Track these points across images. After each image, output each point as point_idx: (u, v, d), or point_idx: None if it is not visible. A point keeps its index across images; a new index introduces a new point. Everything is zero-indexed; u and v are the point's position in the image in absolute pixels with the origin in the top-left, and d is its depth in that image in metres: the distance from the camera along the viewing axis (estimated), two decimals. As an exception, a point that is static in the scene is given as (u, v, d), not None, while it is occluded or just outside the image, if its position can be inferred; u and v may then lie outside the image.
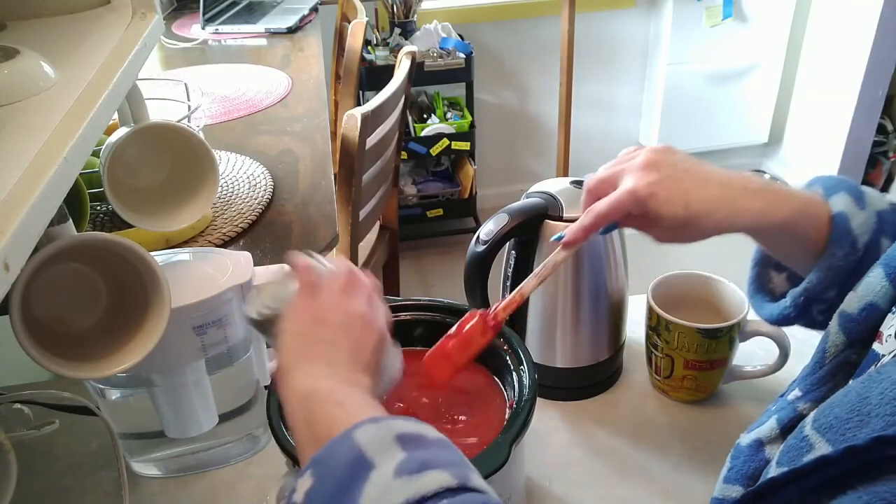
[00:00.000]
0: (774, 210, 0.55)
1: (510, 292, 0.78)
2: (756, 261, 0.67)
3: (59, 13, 0.72)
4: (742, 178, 0.57)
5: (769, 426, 0.55)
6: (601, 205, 0.57)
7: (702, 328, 0.74)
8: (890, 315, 0.48)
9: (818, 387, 0.53)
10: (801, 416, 0.53)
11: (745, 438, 0.58)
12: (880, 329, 0.49)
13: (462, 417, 0.63)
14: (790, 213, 0.56)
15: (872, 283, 0.50)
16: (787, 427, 0.54)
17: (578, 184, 0.79)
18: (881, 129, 2.55)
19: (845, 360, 0.52)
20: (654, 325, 0.78)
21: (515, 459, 0.57)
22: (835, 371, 0.52)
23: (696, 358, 0.76)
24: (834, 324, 0.53)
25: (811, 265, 0.58)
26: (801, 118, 3.00)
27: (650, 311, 0.78)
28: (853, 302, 0.51)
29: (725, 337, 0.75)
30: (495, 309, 0.62)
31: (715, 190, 0.55)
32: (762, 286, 0.65)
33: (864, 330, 0.50)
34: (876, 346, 0.48)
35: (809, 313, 0.60)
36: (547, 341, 0.80)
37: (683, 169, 0.56)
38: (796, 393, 0.55)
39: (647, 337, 0.80)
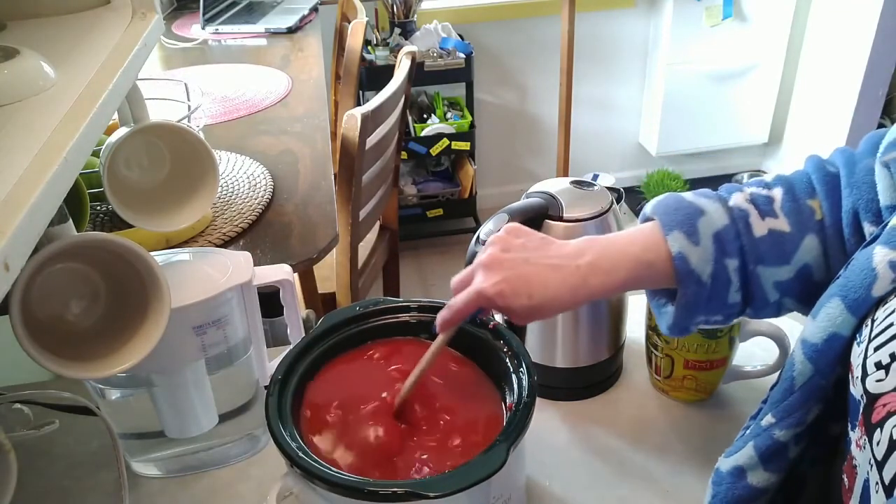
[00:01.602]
0: (612, 278, 0.59)
1: None
2: None
3: (59, 13, 0.72)
4: (575, 251, 0.61)
5: (747, 453, 0.56)
6: (458, 301, 0.62)
7: (702, 328, 0.74)
8: (856, 345, 0.48)
9: (791, 413, 0.54)
10: (778, 444, 0.54)
11: (725, 464, 0.58)
12: (850, 361, 0.49)
13: (461, 419, 0.63)
14: (628, 272, 0.59)
15: (832, 313, 0.50)
16: (766, 455, 0.55)
17: (578, 184, 0.79)
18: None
19: (816, 386, 0.52)
20: (654, 325, 0.78)
21: (515, 460, 0.58)
22: (807, 397, 0.53)
23: (696, 358, 0.76)
24: (798, 352, 0.53)
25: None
26: (801, 118, 3.00)
27: (650, 310, 0.78)
28: (815, 332, 0.52)
29: (725, 337, 0.75)
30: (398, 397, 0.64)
31: (553, 277, 0.59)
32: (660, 304, 0.67)
33: (830, 358, 0.51)
34: (850, 387, 0.48)
35: (696, 323, 0.62)
36: (547, 341, 0.80)
37: (523, 260, 0.60)
38: (769, 419, 0.55)
39: (647, 337, 0.80)
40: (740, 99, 2.98)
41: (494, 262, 0.61)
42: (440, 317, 0.63)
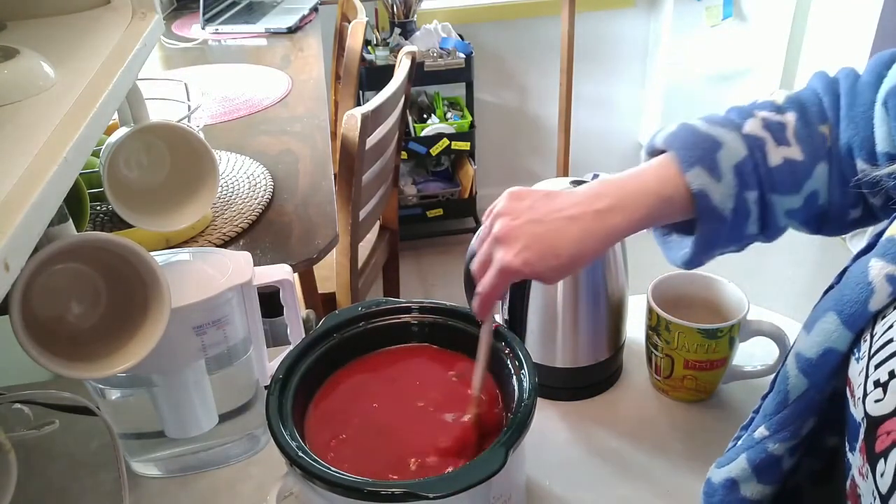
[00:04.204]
0: (633, 216, 0.58)
1: (510, 293, 0.78)
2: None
3: (59, 13, 0.72)
4: (590, 198, 0.59)
5: (740, 465, 0.55)
6: (486, 284, 0.60)
7: (702, 328, 0.74)
8: (854, 361, 0.47)
9: (785, 426, 0.53)
10: (772, 457, 0.53)
11: (717, 475, 0.58)
12: (849, 377, 0.48)
13: (461, 419, 0.63)
14: (649, 209, 0.58)
15: (827, 328, 0.49)
16: (760, 468, 0.54)
17: (578, 184, 0.79)
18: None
19: (811, 400, 0.52)
20: (654, 325, 0.78)
21: (515, 460, 0.57)
22: (801, 411, 0.52)
23: (696, 358, 0.76)
24: (792, 366, 0.52)
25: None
26: (801, 118, 3.00)
27: (650, 311, 0.78)
28: (810, 346, 0.50)
29: (725, 337, 0.75)
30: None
31: (574, 229, 0.58)
32: (664, 234, 0.66)
33: (826, 372, 0.50)
34: (850, 406, 0.47)
35: (712, 257, 0.61)
36: (547, 341, 0.80)
37: (537, 220, 0.58)
38: (763, 431, 0.54)
39: (647, 337, 0.80)
40: (740, 99, 2.95)
41: (509, 232, 0.59)
42: (475, 307, 0.62)
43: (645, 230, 0.61)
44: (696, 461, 0.73)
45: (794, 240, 0.63)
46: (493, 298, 0.61)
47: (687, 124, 0.60)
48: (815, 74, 0.62)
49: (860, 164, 0.57)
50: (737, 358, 0.79)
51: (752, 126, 0.59)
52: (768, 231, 0.60)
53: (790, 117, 0.59)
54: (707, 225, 0.58)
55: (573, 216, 0.58)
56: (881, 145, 0.55)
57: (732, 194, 0.57)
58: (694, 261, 0.61)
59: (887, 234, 0.47)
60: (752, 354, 0.81)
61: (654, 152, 0.62)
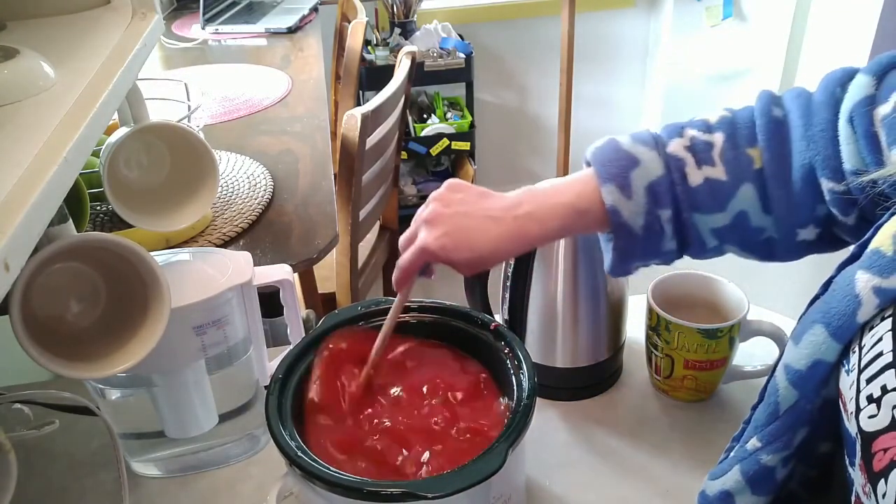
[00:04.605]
0: (548, 226, 0.61)
1: (510, 293, 0.78)
2: None
3: (59, 13, 0.72)
4: (514, 204, 0.62)
5: (734, 477, 0.56)
6: (404, 259, 0.64)
7: (702, 328, 0.74)
8: (845, 373, 0.48)
9: (777, 437, 0.53)
10: (765, 468, 0.54)
11: (711, 487, 0.58)
12: (840, 390, 0.48)
13: (460, 419, 0.63)
14: (563, 221, 0.61)
15: (815, 340, 0.49)
16: (754, 479, 0.54)
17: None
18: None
19: (802, 410, 0.52)
20: (654, 325, 0.78)
21: (515, 460, 0.58)
22: (793, 421, 0.52)
23: (696, 358, 0.76)
24: (781, 378, 0.53)
25: None
26: (801, 118, 3.00)
27: (650, 311, 0.78)
28: (798, 358, 0.51)
29: (725, 337, 0.75)
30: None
31: (492, 229, 0.61)
32: (607, 240, 0.67)
33: (815, 383, 0.50)
34: (844, 421, 0.47)
35: (634, 267, 0.64)
36: (547, 341, 0.80)
37: (463, 214, 0.62)
38: (755, 443, 0.55)
39: (647, 337, 0.80)
40: (740, 99, 2.96)
41: (436, 217, 0.63)
42: (394, 278, 0.66)
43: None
44: (696, 461, 0.73)
45: (713, 257, 0.64)
46: (410, 273, 0.65)
47: (613, 140, 0.63)
48: (760, 94, 0.63)
49: (825, 184, 0.57)
50: (737, 358, 0.79)
51: (675, 146, 0.61)
52: (691, 248, 0.62)
53: (718, 137, 0.61)
54: (619, 239, 0.61)
55: (495, 217, 0.62)
56: (849, 163, 0.55)
57: (642, 212, 0.59)
58: (615, 270, 0.64)
59: (872, 245, 0.47)
60: (752, 354, 0.81)
61: (586, 163, 0.64)
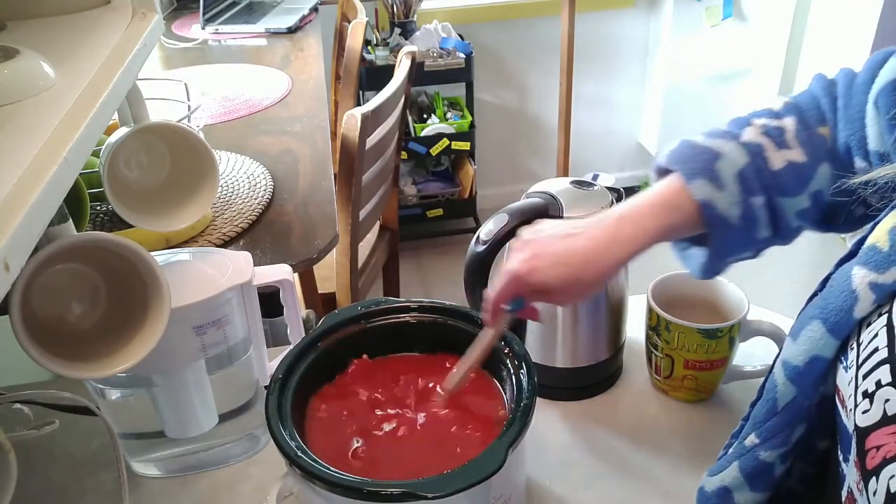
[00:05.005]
0: (642, 226, 0.58)
1: None
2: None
3: (59, 13, 0.72)
4: (602, 217, 0.60)
5: (732, 474, 0.56)
6: (492, 289, 0.62)
7: (702, 328, 0.74)
8: (843, 370, 0.48)
9: (776, 434, 0.53)
10: (764, 464, 0.54)
11: (710, 483, 0.58)
12: (837, 384, 0.49)
13: (462, 419, 0.63)
14: (658, 219, 0.58)
15: (813, 336, 0.50)
16: (752, 475, 0.55)
17: (579, 184, 0.79)
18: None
19: (799, 407, 0.52)
20: (654, 325, 0.78)
21: (515, 460, 0.58)
22: (791, 418, 0.53)
23: (696, 358, 0.76)
24: (779, 374, 0.53)
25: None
26: (801, 118, 2.99)
27: (650, 311, 0.78)
28: (796, 354, 0.51)
29: (725, 337, 0.75)
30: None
31: (582, 240, 0.59)
32: (683, 248, 0.66)
33: (813, 379, 0.51)
34: (843, 418, 0.47)
35: (728, 264, 0.62)
36: (547, 341, 0.80)
37: (550, 237, 0.61)
38: (753, 439, 0.55)
39: (647, 337, 0.80)
40: (740, 99, 2.97)
41: (524, 244, 0.61)
42: (484, 314, 0.63)
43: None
44: (696, 461, 0.73)
45: (795, 240, 0.63)
46: (497, 302, 0.62)
47: (686, 140, 0.61)
48: (815, 77, 0.63)
49: (858, 163, 0.57)
50: (737, 358, 0.79)
51: (749, 134, 0.59)
52: (781, 233, 0.60)
53: (788, 122, 0.60)
54: (717, 234, 0.58)
55: (582, 232, 0.60)
56: (872, 144, 0.55)
57: (738, 201, 0.57)
58: (710, 269, 0.61)
59: (869, 241, 0.48)
60: (752, 354, 0.81)
61: (660, 172, 0.62)
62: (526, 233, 0.63)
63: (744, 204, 0.57)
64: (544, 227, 0.63)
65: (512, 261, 0.60)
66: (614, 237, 0.58)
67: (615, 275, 0.59)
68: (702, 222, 0.58)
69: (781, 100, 0.62)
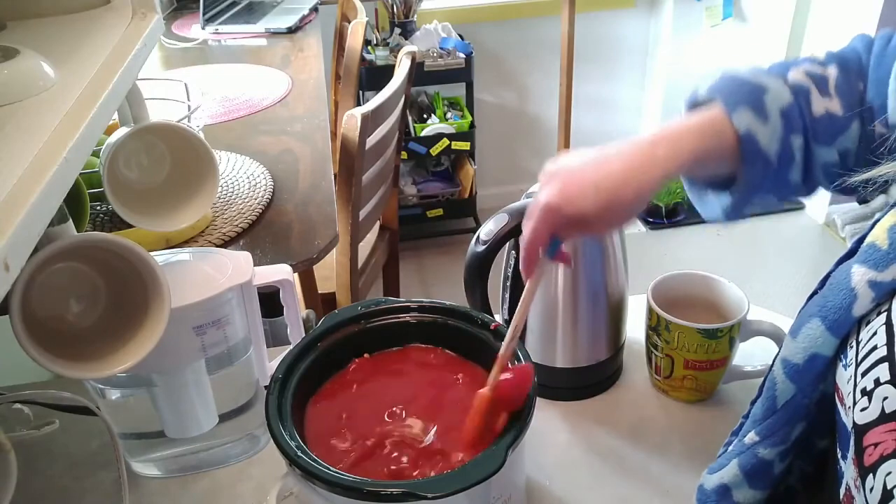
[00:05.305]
0: (678, 148, 0.55)
1: (510, 293, 0.78)
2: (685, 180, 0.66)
3: (59, 13, 0.72)
4: (635, 139, 0.57)
5: (731, 471, 0.56)
6: (526, 230, 0.58)
7: (702, 328, 0.74)
8: (842, 367, 0.48)
9: (775, 431, 0.53)
10: (763, 461, 0.54)
11: (709, 481, 0.58)
12: (836, 382, 0.49)
13: (462, 419, 0.63)
14: (694, 143, 0.55)
15: (812, 333, 0.49)
16: (751, 473, 0.55)
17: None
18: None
19: (799, 405, 0.52)
20: (654, 325, 0.78)
21: (515, 460, 0.58)
22: (790, 416, 0.53)
23: (696, 358, 0.76)
24: (779, 372, 0.53)
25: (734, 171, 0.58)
26: (801, 118, 3.00)
27: (650, 311, 0.78)
28: (796, 352, 0.51)
29: (725, 337, 0.75)
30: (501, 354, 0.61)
31: (616, 163, 0.55)
32: (700, 191, 0.64)
33: (812, 377, 0.51)
34: (842, 415, 0.47)
35: (752, 207, 0.60)
36: (547, 341, 0.80)
37: (580, 164, 0.56)
38: (753, 437, 0.55)
39: (647, 337, 0.80)
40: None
41: (551, 175, 0.57)
42: (521, 262, 0.59)
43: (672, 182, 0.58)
44: (696, 461, 0.73)
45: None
46: (534, 244, 0.57)
47: (730, 73, 0.59)
48: (856, 35, 0.61)
49: (878, 128, 0.56)
50: (737, 358, 0.79)
51: (796, 75, 0.58)
52: (807, 183, 0.59)
53: (832, 71, 0.58)
54: (752, 168, 0.56)
55: (616, 154, 0.56)
56: (892, 116, 0.54)
57: (778, 137, 0.56)
58: (735, 210, 0.59)
59: (868, 239, 0.48)
60: (752, 354, 0.81)
61: (694, 104, 0.60)
62: (550, 166, 0.58)
63: (784, 141, 0.56)
64: (569, 157, 0.58)
65: (542, 194, 0.56)
66: (650, 157, 0.55)
67: (652, 195, 0.55)
68: (737, 155, 0.56)
69: (825, 50, 0.61)
